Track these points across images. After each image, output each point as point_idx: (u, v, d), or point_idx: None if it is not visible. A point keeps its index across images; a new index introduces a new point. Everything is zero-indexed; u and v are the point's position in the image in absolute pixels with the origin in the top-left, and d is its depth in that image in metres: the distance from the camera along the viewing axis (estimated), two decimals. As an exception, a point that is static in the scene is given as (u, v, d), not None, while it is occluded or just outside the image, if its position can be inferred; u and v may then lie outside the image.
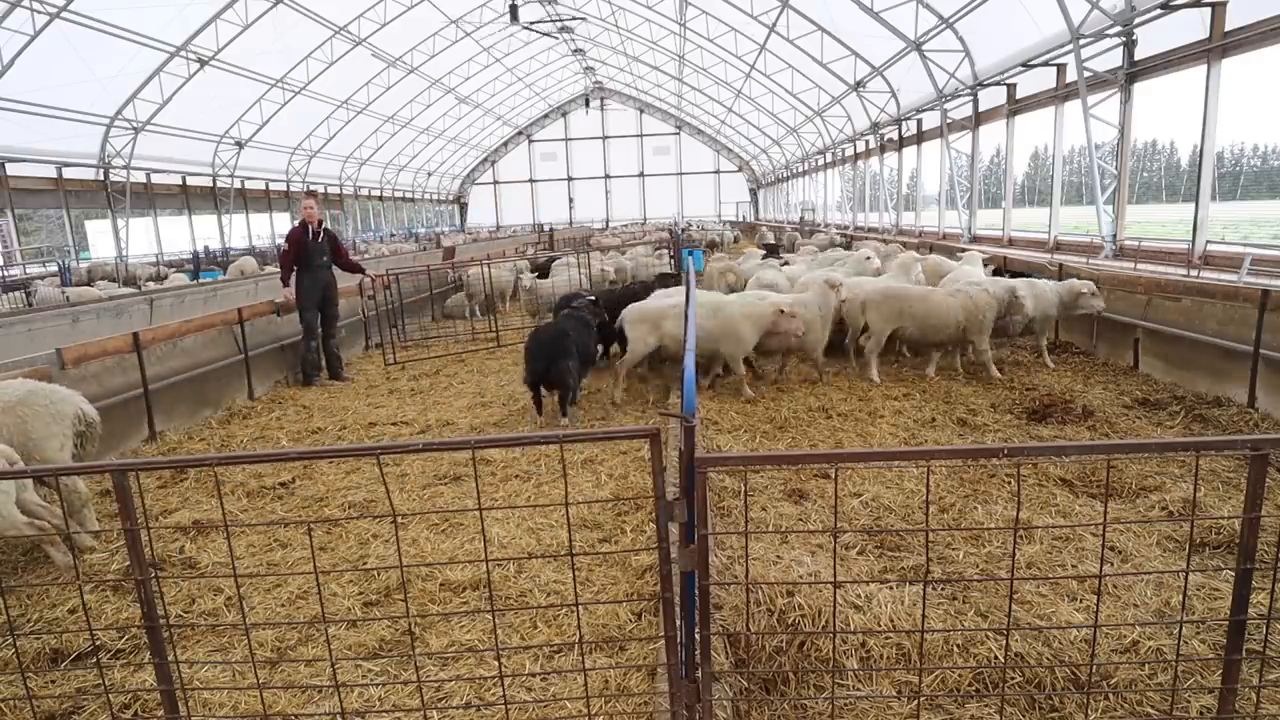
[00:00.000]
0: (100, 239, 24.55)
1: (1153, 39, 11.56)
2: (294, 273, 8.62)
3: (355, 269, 9.57)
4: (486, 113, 42.68)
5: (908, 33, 17.89)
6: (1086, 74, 12.56)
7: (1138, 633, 3.08)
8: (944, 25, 16.66)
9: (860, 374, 7.72)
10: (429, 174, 45.87)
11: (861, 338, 7.81)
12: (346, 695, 2.93)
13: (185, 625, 3.57)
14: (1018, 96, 16.52)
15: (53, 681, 3.18)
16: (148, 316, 10.25)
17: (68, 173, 22.32)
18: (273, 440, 6.70)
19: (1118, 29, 11.67)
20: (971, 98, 17.85)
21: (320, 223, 8.73)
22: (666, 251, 16.98)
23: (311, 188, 33.36)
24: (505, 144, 50.37)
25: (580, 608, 3.31)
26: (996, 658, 2.93)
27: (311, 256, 8.60)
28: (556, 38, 31.75)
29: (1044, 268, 9.60)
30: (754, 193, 49.59)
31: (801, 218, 35.06)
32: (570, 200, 50.62)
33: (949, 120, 18.86)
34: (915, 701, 2.77)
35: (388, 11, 25.34)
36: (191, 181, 27.67)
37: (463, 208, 52.28)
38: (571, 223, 47.96)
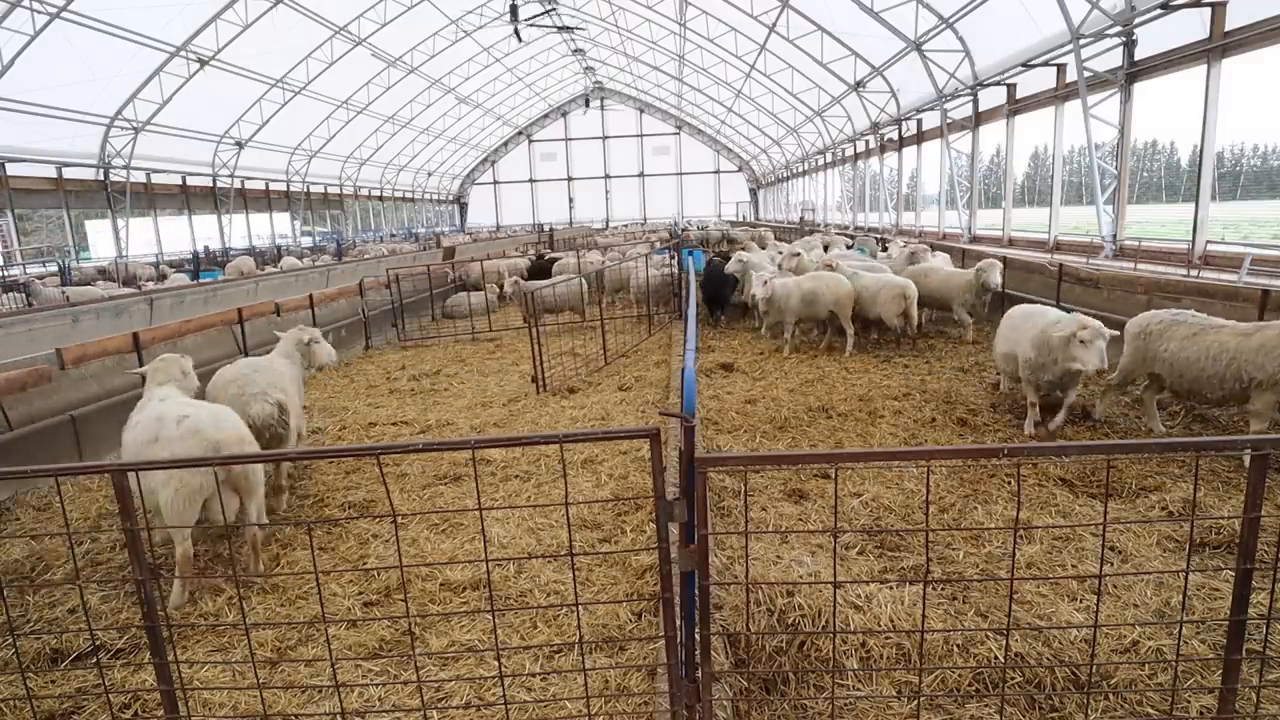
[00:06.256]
0: (100, 239, 24.55)
1: (1153, 39, 11.56)
2: None
3: None
4: (486, 113, 42.69)
5: (908, 33, 17.89)
6: (1086, 74, 12.55)
7: (1138, 633, 3.08)
8: (944, 25, 16.66)
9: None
10: (429, 174, 45.87)
11: None
12: (346, 695, 2.93)
13: (185, 625, 3.57)
14: (1018, 96, 16.52)
15: (53, 681, 3.18)
16: (148, 316, 10.25)
17: (68, 173, 22.30)
18: (273, 440, 6.69)
19: (1118, 29, 11.67)
20: (971, 98, 17.85)
21: None
22: (667, 251, 16.98)
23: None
24: (505, 144, 50.37)
25: (580, 608, 3.31)
26: (996, 658, 2.92)
27: None
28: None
29: (1044, 268, 9.60)
30: (754, 193, 49.60)
31: (802, 217, 35.04)
32: (570, 200, 50.59)
33: (949, 120, 18.85)
34: (915, 701, 2.76)
35: (388, 11, 25.36)
36: (191, 181, 27.67)
37: (463, 208, 52.28)
38: (571, 223, 47.95)
